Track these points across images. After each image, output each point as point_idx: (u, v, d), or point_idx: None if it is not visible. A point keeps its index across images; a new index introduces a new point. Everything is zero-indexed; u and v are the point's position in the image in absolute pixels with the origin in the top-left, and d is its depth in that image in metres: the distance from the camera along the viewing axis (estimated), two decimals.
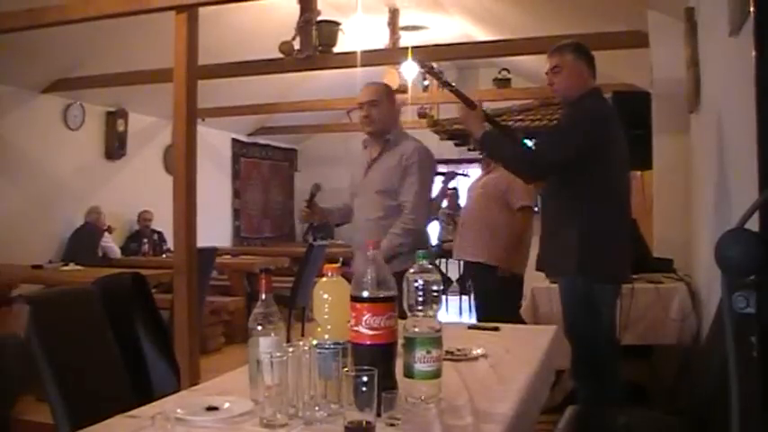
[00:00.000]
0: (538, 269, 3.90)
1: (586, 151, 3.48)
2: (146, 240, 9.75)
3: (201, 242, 5.24)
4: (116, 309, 2.92)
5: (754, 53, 1.41)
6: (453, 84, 4.04)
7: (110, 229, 9.15)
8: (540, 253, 3.82)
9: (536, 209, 5.76)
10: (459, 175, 7.08)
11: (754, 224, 1.38)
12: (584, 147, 3.48)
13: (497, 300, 5.34)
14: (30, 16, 5.63)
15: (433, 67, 4.74)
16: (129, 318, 2.97)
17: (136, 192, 9.89)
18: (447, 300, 10.26)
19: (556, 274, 3.82)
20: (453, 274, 10.45)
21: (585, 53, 3.76)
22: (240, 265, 8.87)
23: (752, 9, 1.44)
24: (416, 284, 1.87)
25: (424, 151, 4.14)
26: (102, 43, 7.48)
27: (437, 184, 6.96)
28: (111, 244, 8.95)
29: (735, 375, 1.31)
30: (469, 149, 8.80)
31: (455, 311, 10.15)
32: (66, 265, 7.29)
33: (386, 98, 4.16)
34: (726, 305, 1.34)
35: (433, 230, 11.54)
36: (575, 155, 3.48)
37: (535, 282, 4.93)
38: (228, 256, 9.40)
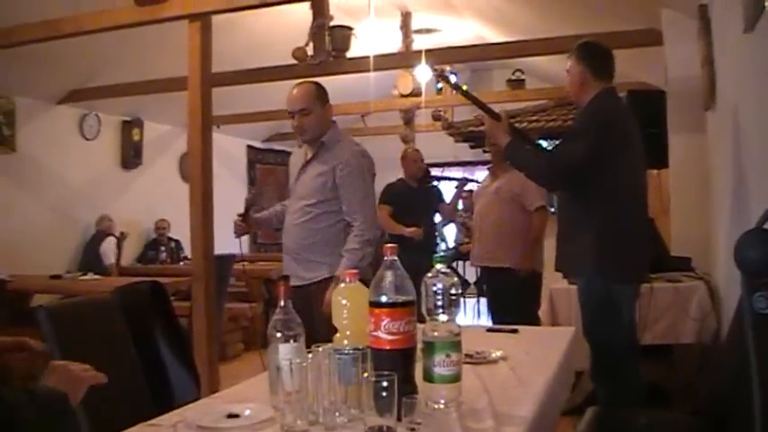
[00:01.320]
0: (557, 269, 3.87)
1: (598, 154, 3.45)
2: (163, 248, 9.79)
3: (219, 249, 5.25)
4: (135, 317, 2.93)
5: None
6: (475, 96, 4.07)
7: (123, 236, 9.15)
8: (557, 254, 3.80)
9: (552, 209, 5.75)
10: (471, 181, 7.07)
11: None
12: (595, 150, 3.46)
13: (516, 302, 5.33)
14: (44, 28, 5.68)
15: (458, 86, 4.70)
16: (149, 326, 2.97)
17: (152, 200, 9.93)
18: (465, 302, 10.25)
19: (573, 274, 3.80)
20: (470, 276, 10.44)
21: (588, 54, 3.70)
22: (258, 271, 8.89)
23: (766, 4, 1.44)
24: (435, 288, 1.87)
25: (360, 155, 4.00)
26: (117, 53, 7.52)
27: (450, 192, 6.99)
28: (109, 249, 8.84)
29: (756, 376, 1.30)
30: (484, 151, 8.79)
31: (473, 314, 10.15)
32: (85, 274, 7.33)
33: (317, 102, 3.96)
34: (746, 306, 1.33)
35: (450, 233, 11.56)
36: (588, 160, 3.46)
37: (554, 283, 4.92)
38: (246, 263, 9.42)
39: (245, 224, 4.29)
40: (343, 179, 3.89)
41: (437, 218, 7.31)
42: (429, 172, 7.26)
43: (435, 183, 7.27)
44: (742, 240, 1.33)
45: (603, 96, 3.63)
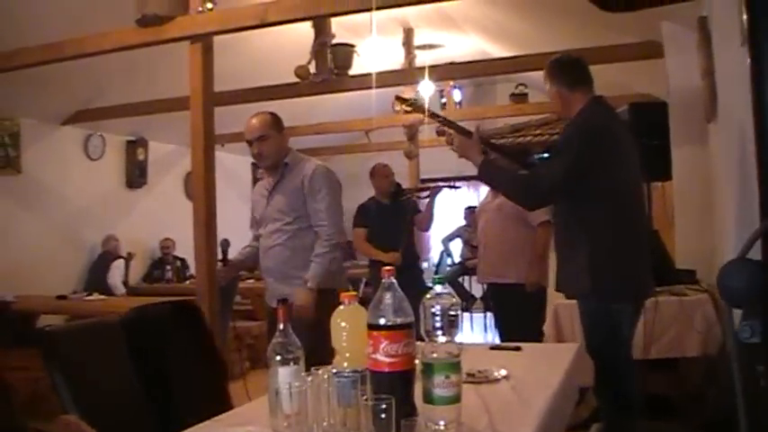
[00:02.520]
0: (557, 290, 3.80)
1: (582, 169, 3.36)
2: (169, 267, 9.81)
3: None
4: (152, 338, 2.94)
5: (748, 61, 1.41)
6: (442, 115, 4.03)
7: (130, 256, 9.19)
8: (557, 274, 3.73)
9: None
10: (447, 187, 6.99)
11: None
12: (579, 165, 3.36)
13: (522, 317, 5.32)
14: (48, 51, 5.72)
15: (415, 101, 4.70)
16: (182, 345, 2.99)
17: (158, 219, 9.96)
18: (471, 317, 10.24)
19: (572, 294, 3.72)
20: (477, 291, 10.42)
21: (557, 71, 3.64)
22: (263, 289, 8.87)
23: (744, 17, 1.44)
24: (433, 310, 1.87)
25: (324, 169, 4.21)
26: (120, 74, 7.56)
27: (424, 201, 6.90)
28: (117, 273, 8.83)
29: (742, 405, 1.30)
30: None
31: (480, 328, 10.12)
32: (90, 294, 7.34)
33: (273, 129, 4.20)
34: (730, 335, 1.32)
35: (456, 249, 11.55)
36: (568, 177, 3.37)
37: (558, 299, 4.91)
38: (252, 281, 9.42)
39: (227, 268, 4.39)
40: (310, 189, 4.10)
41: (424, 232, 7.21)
42: (400, 186, 7.07)
43: (409, 196, 7.08)
44: (725, 270, 1.32)
45: (589, 107, 3.54)
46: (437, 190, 6.85)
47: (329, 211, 4.07)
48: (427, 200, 6.91)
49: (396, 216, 6.65)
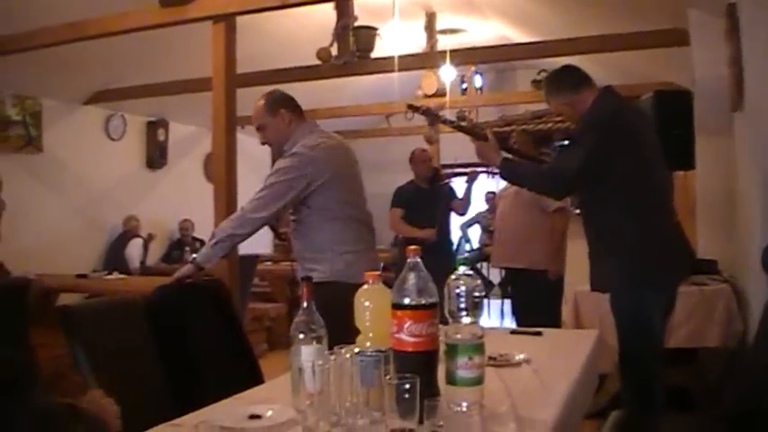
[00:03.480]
0: (593, 289, 3.74)
1: (598, 158, 3.36)
2: (188, 248, 9.83)
3: (243, 249, 5.26)
4: (177, 317, 2.95)
5: None
6: (457, 121, 4.00)
7: (150, 237, 9.23)
8: (591, 273, 3.69)
9: (577, 211, 5.72)
10: (482, 173, 7.01)
11: None
12: (594, 156, 3.36)
13: (539, 303, 5.32)
14: (69, 30, 5.73)
15: (427, 109, 4.67)
16: (208, 323, 3.00)
17: (177, 200, 9.99)
18: (489, 303, 10.23)
19: (604, 287, 3.68)
20: (495, 277, 10.40)
21: (555, 84, 3.68)
22: (282, 271, 8.90)
23: None
24: (458, 291, 1.86)
25: (300, 147, 3.77)
26: (142, 54, 7.56)
27: (461, 186, 6.91)
28: (134, 251, 8.87)
29: None
30: (509, 152, 8.77)
31: (497, 315, 10.12)
32: (110, 273, 7.37)
33: (267, 115, 3.91)
34: None
35: (474, 235, 11.53)
36: (585, 168, 3.38)
37: (578, 286, 4.89)
38: (270, 263, 9.45)
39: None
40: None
41: (454, 216, 7.22)
42: (438, 171, 7.18)
43: (447, 181, 7.18)
44: None
45: (599, 98, 3.54)
46: (474, 176, 6.86)
47: (265, 183, 3.79)
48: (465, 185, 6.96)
49: (432, 199, 6.74)
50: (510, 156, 3.79)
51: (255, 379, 2.97)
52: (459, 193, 6.98)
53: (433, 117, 4.55)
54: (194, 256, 3.77)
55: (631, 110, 3.73)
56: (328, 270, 3.65)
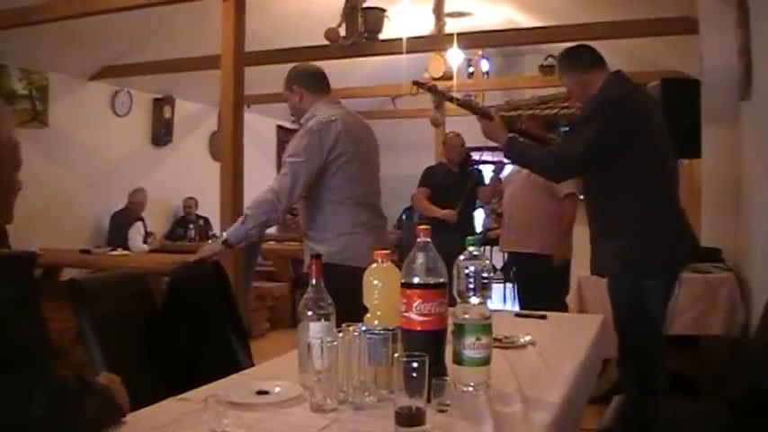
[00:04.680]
0: (593, 273, 3.76)
1: (603, 142, 3.36)
2: (192, 226, 9.85)
3: None
4: (195, 295, 2.97)
5: None
6: (460, 98, 4.01)
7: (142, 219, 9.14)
8: (592, 257, 3.71)
9: (582, 197, 5.72)
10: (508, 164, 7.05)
11: None
12: (599, 138, 3.36)
13: (544, 288, 5.33)
14: (78, 4, 5.73)
15: (435, 87, 4.67)
16: (208, 305, 3.02)
17: (182, 178, 10.00)
18: (491, 287, 10.25)
19: (603, 271, 3.69)
20: (497, 261, 10.42)
21: (567, 62, 3.67)
22: (285, 250, 8.92)
23: None
24: (467, 271, 1.88)
25: (316, 123, 3.72)
26: (150, 31, 7.55)
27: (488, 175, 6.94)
28: (137, 237, 8.74)
29: None
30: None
31: (499, 299, 10.15)
32: (114, 249, 7.38)
33: (286, 90, 3.91)
34: None
35: (478, 218, 11.52)
36: (590, 150, 3.38)
37: (582, 270, 4.90)
38: (274, 242, 9.47)
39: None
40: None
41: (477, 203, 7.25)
42: (470, 156, 7.23)
43: (476, 166, 7.23)
44: None
45: (610, 81, 3.54)
46: (502, 165, 6.88)
47: (287, 160, 3.72)
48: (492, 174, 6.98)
49: (460, 183, 6.79)
50: (516, 136, 3.77)
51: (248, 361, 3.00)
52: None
53: (438, 94, 4.54)
54: (224, 234, 3.75)
55: (641, 95, 3.72)
56: (326, 251, 3.65)
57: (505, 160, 6.91)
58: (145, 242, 8.85)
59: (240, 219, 3.72)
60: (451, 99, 4.22)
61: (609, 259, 3.52)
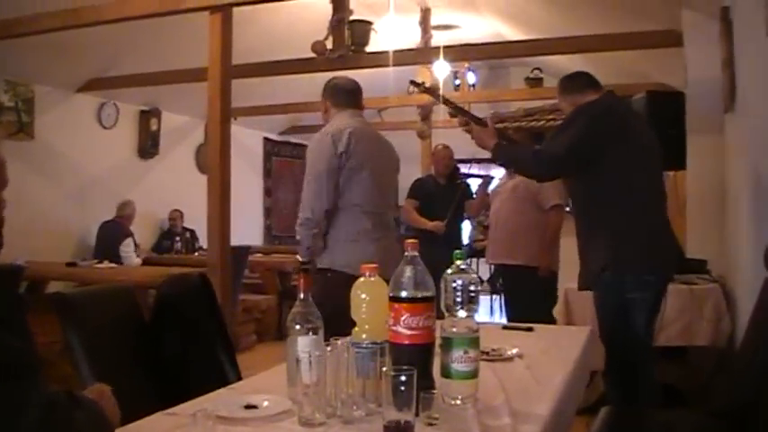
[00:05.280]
0: (581, 288, 3.80)
1: (588, 141, 3.47)
2: (178, 238, 9.82)
3: (233, 240, 5.27)
4: (182, 308, 2.97)
5: None
6: (455, 102, 4.11)
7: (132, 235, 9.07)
8: (581, 271, 3.75)
9: (568, 209, 5.74)
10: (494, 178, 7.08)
11: None
12: (583, 137, 3.48)
13: (531, 300, 5.34)
14: (66, 16, 5.71)
15: (430, 86, 4.74)
16: (194, 318, 3.01)
17: (168, 190, 9.97)
18: (479, 300, 10.25)
19: (589, 283, 3.71)
20: (484, 273, 10.43)
21: (567, 82, 3.85)
22: (272, 263, 8.92)
23: None
24: (454, 285, 1.88)
25: (321, 135, 3.89)
26: (136, 43, 7.54)
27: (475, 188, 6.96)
28: (131, 252, 8.63)
29: None
30: None
31: (486, 311, 10.16)
32: (101, 262, 7.36)
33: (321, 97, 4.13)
34: None
35: (465, 231, 11.54)
36: (572, 151, 3.49)
37: (569, 282, 4.92)
38: (260, 255, 9.46)
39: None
40: None
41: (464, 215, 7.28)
42: (458, 169, 7.27)
43: (464, 179, 7.26)
44: None
45: (600, 97, 3.68)
46: (489, 179, 6.92)
47: (304, 185, 3.85)
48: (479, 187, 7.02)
49: (448, 196, 6.81)
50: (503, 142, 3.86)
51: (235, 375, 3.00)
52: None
53: (434, 96, 4.59)
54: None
55: (623, 107, 3.83)
56: (327, 256, 3.74)
57: (492, 174, 6.96)
58: (138, 255, 8.81)
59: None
60: (446, 102, 4.28)
61: (592, 263, 3.57)
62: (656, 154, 3.64)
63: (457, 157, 7.15)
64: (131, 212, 8.88)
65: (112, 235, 8.54)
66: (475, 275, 1.94)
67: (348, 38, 6.92)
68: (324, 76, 8.10)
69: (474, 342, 1.88)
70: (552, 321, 4.80)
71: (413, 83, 4.52)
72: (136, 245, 8.81)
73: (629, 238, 3.45)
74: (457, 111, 4.16)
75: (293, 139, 13.31)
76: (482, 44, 7.87)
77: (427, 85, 5.01)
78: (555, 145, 3.65)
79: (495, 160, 3.98)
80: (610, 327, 3.53)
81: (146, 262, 8.39)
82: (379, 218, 3.85)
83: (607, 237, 3.48)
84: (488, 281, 10.44)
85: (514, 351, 2.61)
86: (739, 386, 2.64)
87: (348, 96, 4.05)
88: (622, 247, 3.44)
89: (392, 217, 4.07)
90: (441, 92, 8.46)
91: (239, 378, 2.93)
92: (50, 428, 1.38)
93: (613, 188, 3.48)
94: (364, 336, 1.90)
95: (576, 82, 3.79)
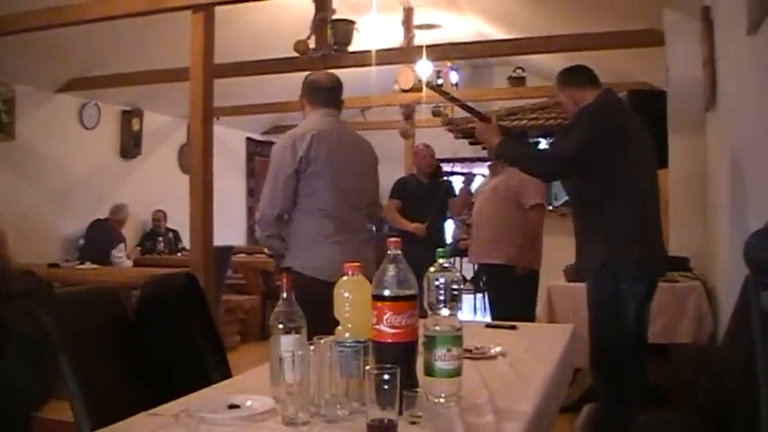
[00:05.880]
0: (576, 276, 3.88)
1: (591, 146, 3.52)
2: (161, 239, 9.78)
3: (216, 241, 5.26)
4: (168, 308, 2.96)
5: None
6: (465, 102, 4.16)
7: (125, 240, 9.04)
8: (576, 261, 3.83)
9: (550, 207, 5.76)
10: (477, 175, 7.11)
11: None
12: (587, 143, 3.52)
13: (514, 299, 5.34)
14: (48, 15, 5.68)
15: (439, 86, 4.80)
16: (182, 317, 3.00)
17: (151, 190, 9.93)
18: (462, 298, 10.28)
19: (585, 273, 3.77)
20: (467, 272, 10.45)
21: (566, 79, 3.87)
22: (256, 263, 8.90)
23: None
24: (437, 283, 1.89)
25: (285, 136, 3.84)
26: (118, 43, 7.51)
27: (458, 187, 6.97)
28: (123, 257, 8.62)
29: (763, 373, 1.31)
30: (483, 148, 8.81)
31: (470, 309, 10.18)
32: (83, 263, 7.33)
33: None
34: (754, 304, 1.34)
35: (448, 229, 11.56)
36: (578, 152, 3.53)
37: (552, 281, 4.93)
38: (244, 255, 9.44)
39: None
40: None
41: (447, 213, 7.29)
42: (440, 168, 7.28)
43: (446, 178, 7.27)
44: (752, 239, 1.33)
45: (599, 96, 3.73)
46: (472, 177, 6.93)
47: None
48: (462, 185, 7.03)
49: (430, 195, 6.83)
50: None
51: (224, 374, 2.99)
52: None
53: (441, 93, 4.62)
54: None
55: (625, 108, 3.95)
56: (291, 259, 3.71)
57: (474, 172, 6.97)
58: (128, 256, 8.78)
59: None
60: (452, 99, 4.35)
61: (590, 260, 3.64)
62: (652, 153, 3.80)
63: (438, 156, 7.16)
64: (125, 216, 8.86)
65: (104, 238, 8.49)
66: (458, 274, 1.95)
67: (331, 37, 6.92)
68: (304, 77, 8.13)
69: (457, 340, 1.89)
70: (534, 320, 4.82)
71: (429, 85, 4.59)
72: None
73: (629, 234, 3.55)
74: (464, 107, 4.25)
75: (276, 138, 13.19)
76: (465, 43, 7.88)
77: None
78: (562, 146, 3.73)
79: (498, 157, 4.13)
80: (600, 317, 3.60)
81: (136, 264, 8.37)
82: (341, 221, 3.74)
83: (608, 233, 3.56)
84: (472, 280, 10.46)
85: (498, 349, 2.62)
86: (720, 384, 2.66)
87: (326, 94, 3.95)
88: (622, 243, 3.53)
89: (365, 218, 3.98)
90: (418, 99, 8.61)
91: (230, 376, 2.93)
92: None
93: (616, 187, 3.57)
94: (347, 334, 1.90)
95: (577, 76, 3.84)
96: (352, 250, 3.62)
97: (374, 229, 7.85)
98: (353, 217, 3.84)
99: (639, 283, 3.59)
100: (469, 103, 4.21)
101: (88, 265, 7.24)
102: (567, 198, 5.77)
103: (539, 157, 3.85)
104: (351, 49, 7.07)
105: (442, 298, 1.89)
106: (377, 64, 6.80)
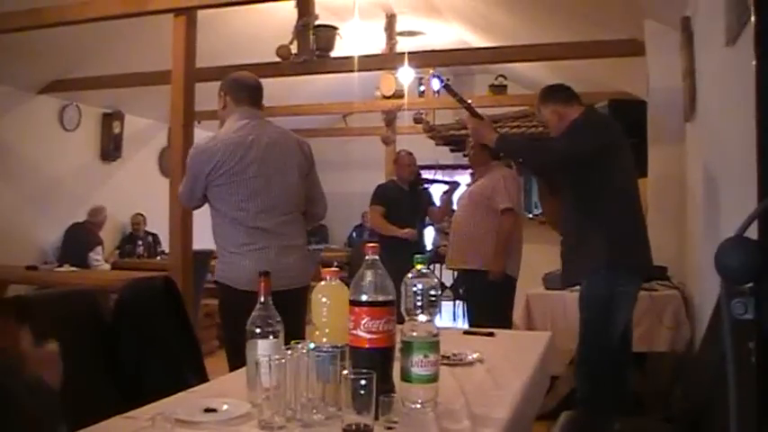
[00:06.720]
0: (564, 285, 3.93)
1: (596, 149, 3.61)
2: (140, 242, 9.73)
3: (196, 245, 5.25)
4: (146, 312, 2.95)
5: (754, 62, 1.43)
6: (469, 101, 4.21)
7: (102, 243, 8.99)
8: (563, 268, 3.86)
9: (530, 216, 5.76)
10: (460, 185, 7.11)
11: (752, 232, 1.40)
12: (593, 144, 3.62)
13: (491, 305, 5.33)
14: (29, 17, 5.66)
15: (447, 84, 4.84)
16: (160, 321, 2.99)
17: (131, 194, 9.89)
18: (441, 305, 10.25)
19: (579, 277, 3.80)
20: (447, 279, 10.45)
21: (550, 95, 3.96)
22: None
23: (753, 17, 1.46)
24: (415, 289, 1.89)
25: (197, 142, 3.82)
26: (99, 45, 7.49)
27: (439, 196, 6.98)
28: (100, 260, 8.59)
29: (733, 381, 1.32)
30: (465, 155, 8.82)
31: (449, 316, 10.17)
32: (61, 266, 7.29)
33: (218, 96, 3.88)
34: (725, 311, 1.35)
35: (428, 236, 11.57)
36: (587, 150, 3.61)
37: (530, 288, 4.94)
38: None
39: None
40: None
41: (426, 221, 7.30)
42: (420, 175, 7.26)
43: (426, 186, 7.25)
44: (723, 247, 1.34)
45: (587, 112, 3.84)
46: (455, 186, 6.91)
47: None
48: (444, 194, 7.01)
49: (412, 202, 6.81)
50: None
51: (201, 379, 2.97)
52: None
53: (452, 94, 4.62)
54: None
55: (612, 122, 4.09)
56: (218, 269, 3.63)
57: (458, 179, 6.99)
58: (106, 260, 8.73)
59: None
60: (455, 95, 4.35)
61: (587, 261, 3.69)
62: (633, 162, 3.93)
63: (420, 163, 7.16)
64: (103, 219, 8.82)
65: (81, 241, 8.45)
66: (435, 280, 1.95)
67: (313, 43, 6.92)
68: (288, 81, 8.15)
69: (434, 346, 1.89)
70: (509, 327, 4.83)
71: (447, 88, 4.62)
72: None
73: (630, 235, 3.68)
74: (461, 103, 4.27)
75: None
76: (447, 51, 7.92)
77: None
78: (564, 140, 3.77)
79: (498, 151, 4.27)
80: (594, 317, 3.65)
81: (113, 267, 8.33)
82: (256, 229, 3.54)
83: (604, 235, 3.62)
84: (451, 287, 10.46)
85: (475, 356, 2.63)
86: (695, 392, 2.67)
87: (250, 92, 3.78)
88: (624, 243, 3.62)
89: (293, 224, 3.71)
90: (400, 106, 8.60)
91: (207, 380, 2.91)
92: None
93: (615, 189, 3.68)
94: (325, 339, 1.90)
95: (562, 93, 3.92)
96: (267, 261, 3.43)
97: (354, 235, 7.78)
98: (273, 224, 3.60)
99: (635, 284, 3.72)
100: (463, 109, 4.26)
101: (66, 267, 7.20)
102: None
103: (536, 146, 3.99)
104: (333, 54, 7.08)
105: (419, 304, 1.89)
106: (359, 70, 6.82)
